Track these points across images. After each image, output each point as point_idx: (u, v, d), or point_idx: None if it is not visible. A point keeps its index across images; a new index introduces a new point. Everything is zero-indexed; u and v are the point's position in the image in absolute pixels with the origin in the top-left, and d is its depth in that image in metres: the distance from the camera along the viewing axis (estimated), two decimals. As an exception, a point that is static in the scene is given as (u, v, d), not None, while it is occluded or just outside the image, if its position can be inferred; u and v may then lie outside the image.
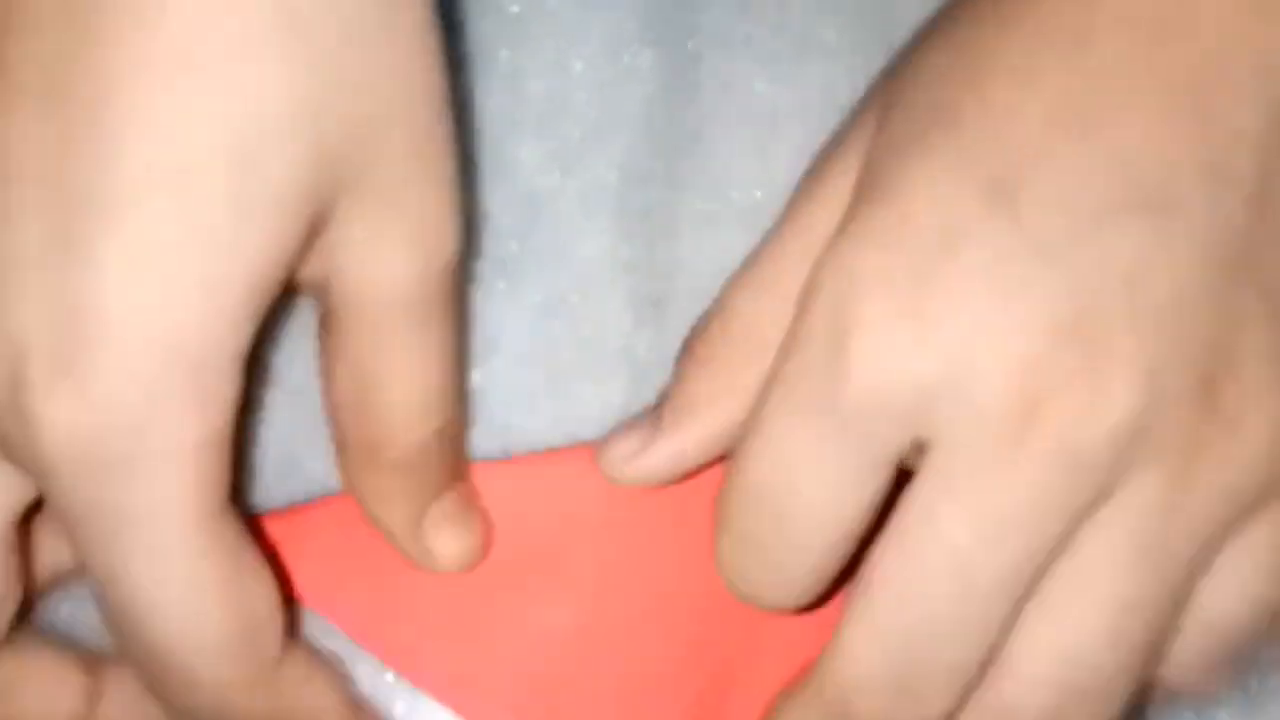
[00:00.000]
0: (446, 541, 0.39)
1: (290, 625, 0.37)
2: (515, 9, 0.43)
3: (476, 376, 0.41)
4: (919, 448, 0.34)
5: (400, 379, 0.37)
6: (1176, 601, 0.35)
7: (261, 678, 0.36)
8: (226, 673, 0.36)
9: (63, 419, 0.33)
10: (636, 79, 0.43)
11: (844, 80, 0.43)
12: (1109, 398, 0.32)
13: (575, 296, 0.42)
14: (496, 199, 0.42)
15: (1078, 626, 0.34)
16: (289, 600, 0.38)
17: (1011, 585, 0.34)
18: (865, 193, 0.35)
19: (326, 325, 0.37)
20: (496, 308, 0.42)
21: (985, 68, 0.34)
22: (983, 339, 0.33)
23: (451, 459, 0.39)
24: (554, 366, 0.41)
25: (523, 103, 0.43)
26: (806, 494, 0.35)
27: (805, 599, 0.37)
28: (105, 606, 0.36)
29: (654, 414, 0.39)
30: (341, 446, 0.38)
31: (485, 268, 0.42)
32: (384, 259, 0.35)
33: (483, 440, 0.41)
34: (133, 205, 0.33)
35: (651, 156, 0.42)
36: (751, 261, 0.38)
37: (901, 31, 0.42)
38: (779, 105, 0.43)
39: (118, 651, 0.37)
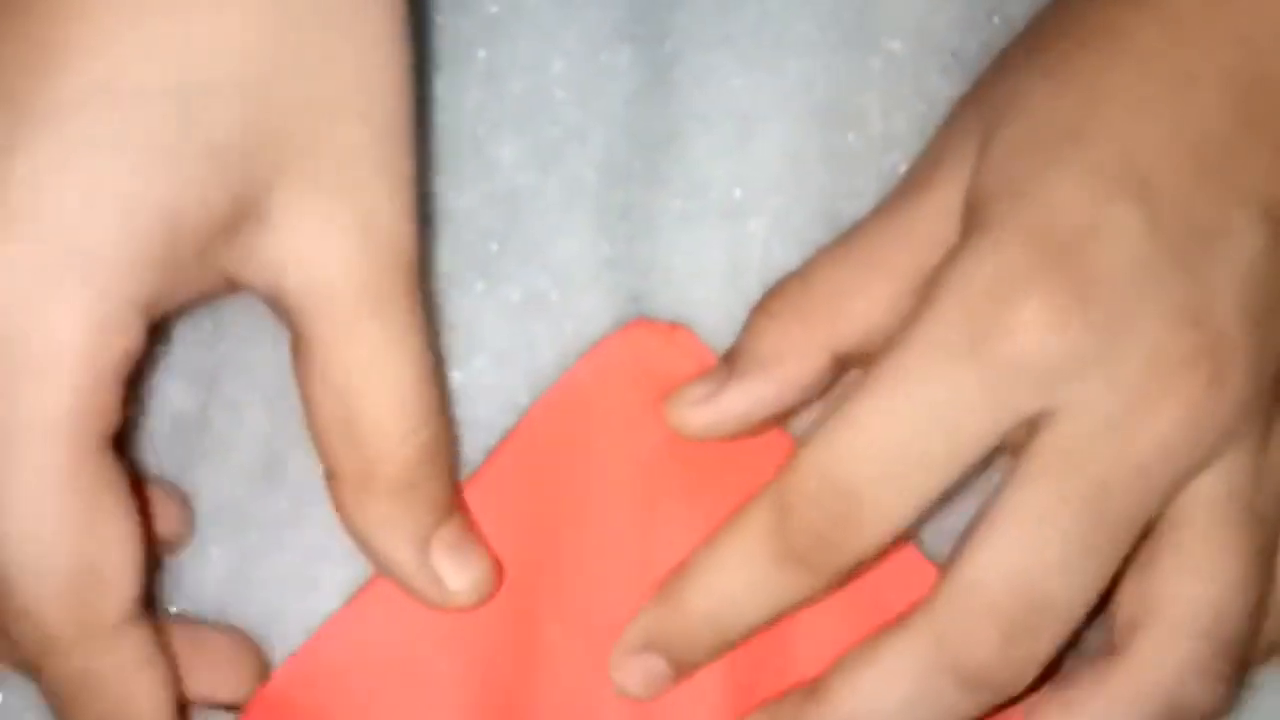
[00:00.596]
0: (456, 570, 0.38)
1: (148, 607, 0.37)
2: (494, 9, 0.43)
3: (457, 376, 0.41)
4: (1032, 427, 0.36)
5: (380, 387, 0.36)
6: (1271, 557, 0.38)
7: (84, 639, 0.35)
8: (51, 617, 0.35)
9: None
10: (615, 77, 0.43)
11: (822, 77, 0.43)
12: (1223, 383, 0.36)
13: (555, 294, 0.42)
14: (476, 198, 0.42)
15: (1217, 577, 0.37)
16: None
17: (1129, 536, 0.36)
18: (994, 196, 0.37)
19: (297, 348, 0.37)
20: (476, 307, 0.42)
21: (1100, 96, 0.37)
22: (1125, 325, 0.36)
23: (447, 475, 0.38)
24: (534, 365, 0.41)
25: (502, 102, 0.43)
26: (940, 433, 0.36)
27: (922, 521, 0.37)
28: None
29: (723, 365, 0.39)
30: (334, 479, 0.37)
31: (464, 267, 0.42)
32: (334, 250, 0.36)
33: (464, 439, 0.41)
34: (71, 114, 0.34)
35: (630, 154, 0.42)
36: (843, 241, 0.39)
37: (881, 27, 0.42)
38: (757, 103, 0.43)
39: None
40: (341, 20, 0.35)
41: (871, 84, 0.43)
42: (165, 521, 0.40)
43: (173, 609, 0.41)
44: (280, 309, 0.36)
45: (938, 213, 0.38)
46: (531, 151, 0.42)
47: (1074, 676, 0.38)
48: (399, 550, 0.38)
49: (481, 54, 0.43)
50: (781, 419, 0.40)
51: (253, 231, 0.35)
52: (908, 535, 0.38)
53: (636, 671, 0.39)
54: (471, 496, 0.40)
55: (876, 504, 0.36)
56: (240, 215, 0.35)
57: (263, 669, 0.40)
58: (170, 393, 0.41)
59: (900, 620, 0.37)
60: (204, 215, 0.34)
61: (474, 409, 0.41)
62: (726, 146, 0.42)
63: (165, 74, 0.34)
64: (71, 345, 0.34)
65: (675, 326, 0.41)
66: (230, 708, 0.39)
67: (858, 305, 0.38)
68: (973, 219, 0.37)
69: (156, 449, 0.41)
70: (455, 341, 0.41)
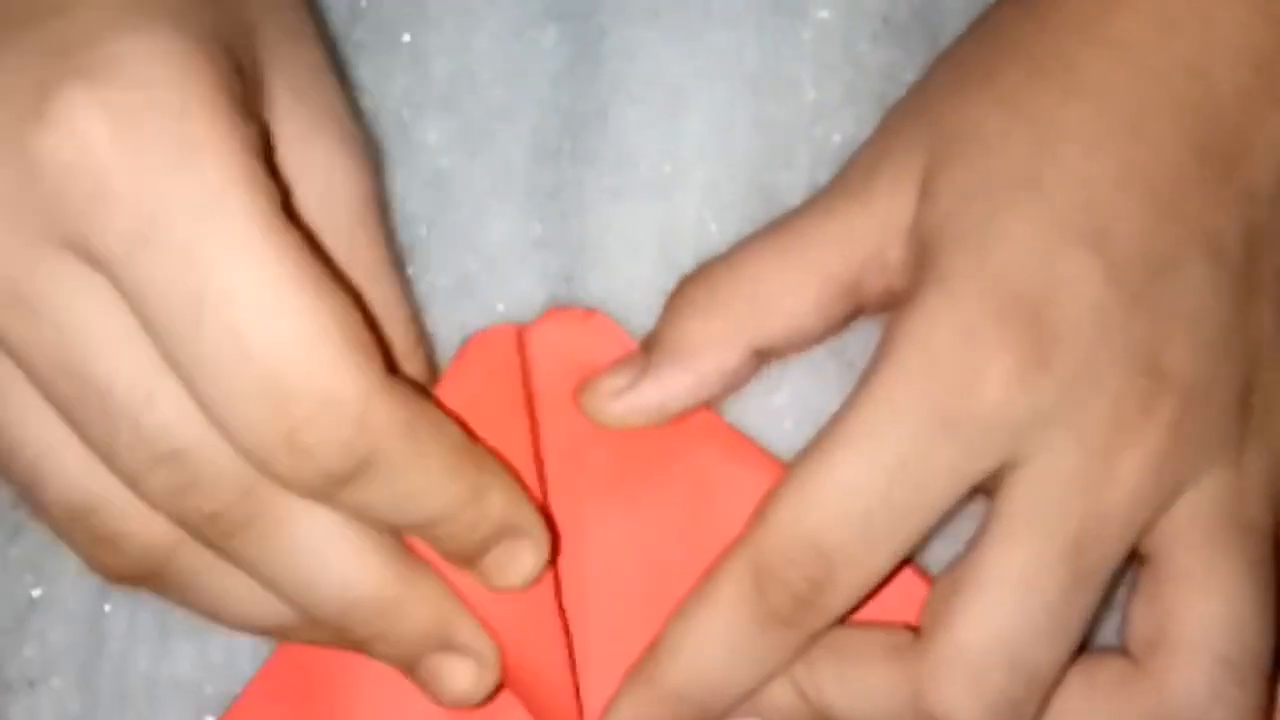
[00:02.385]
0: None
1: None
2: (417, -10, 0.43)
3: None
4: (999, 475, 0.37)
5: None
6: None
7: (382, 387, 0.33)
8: (346, 376, 0.33)
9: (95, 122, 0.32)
10: (541, 56, 0.42)
11: (752, 47, 0.42)
12: (1183, 423, 0.37)
13: (486, 277, 0.41)
14: (402, 182, 0.42)
15: (1221, 591, 0.37)
16: None
17: (1104, 583, 0.37)
18: (949, 244, 0.37)
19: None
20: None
21: (1054, 135, 0.37)
22: (1085, 376, 0.36)
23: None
24: (466, 349, 0.41)
25: (426, 84, 0.42)
26: (910, 489, 0.36)
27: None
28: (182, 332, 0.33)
29: (642, 353, 0.39)
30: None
31: (393, 253, 0.41)
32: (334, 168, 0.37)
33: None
34: None
35: (559, 133, 0.42)
36: (776, 230, 0.39)
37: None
38: (686, 75, 0.42)
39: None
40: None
41: (802, 53, 0.42)
42: None
43: (107, 607, 0.40)
44: None
45: (877, 224, 0.38)
46: (458, 133, 0.42)
47: (1097, 691, 0.38)
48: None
49: (406, 37, 0.42)
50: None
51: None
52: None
53: None
54: None
55: (853, 561, 0.36)
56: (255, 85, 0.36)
57: None
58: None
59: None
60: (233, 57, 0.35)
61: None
62: (656, 121, 0.42)
63: None
64: (222, 131, 0.33)
65: (592, 312, 0.41)
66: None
67: (785, 303, 0.38)
68: (926, 266, 0.37)
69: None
70: (386, 328, 0.41)
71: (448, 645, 0.37)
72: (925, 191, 0.38)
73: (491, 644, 0.37)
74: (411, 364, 0.38)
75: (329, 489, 0.34)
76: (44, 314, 0.33)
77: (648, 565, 0.39)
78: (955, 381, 0.36)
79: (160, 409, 0.34)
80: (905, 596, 0.39)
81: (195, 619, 0.40)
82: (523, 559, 0.37)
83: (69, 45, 0.33)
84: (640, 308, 0.41)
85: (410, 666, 0.37)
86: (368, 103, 0.42)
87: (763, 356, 0.39)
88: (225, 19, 0.35)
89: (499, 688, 0.38)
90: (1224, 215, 0.37)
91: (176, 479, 0.34)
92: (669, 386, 0.39)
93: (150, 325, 0.33)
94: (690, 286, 0.39)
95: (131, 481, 0.34)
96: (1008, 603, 0.36)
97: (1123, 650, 0.38)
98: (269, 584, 0.36)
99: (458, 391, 0.38)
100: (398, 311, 0.38)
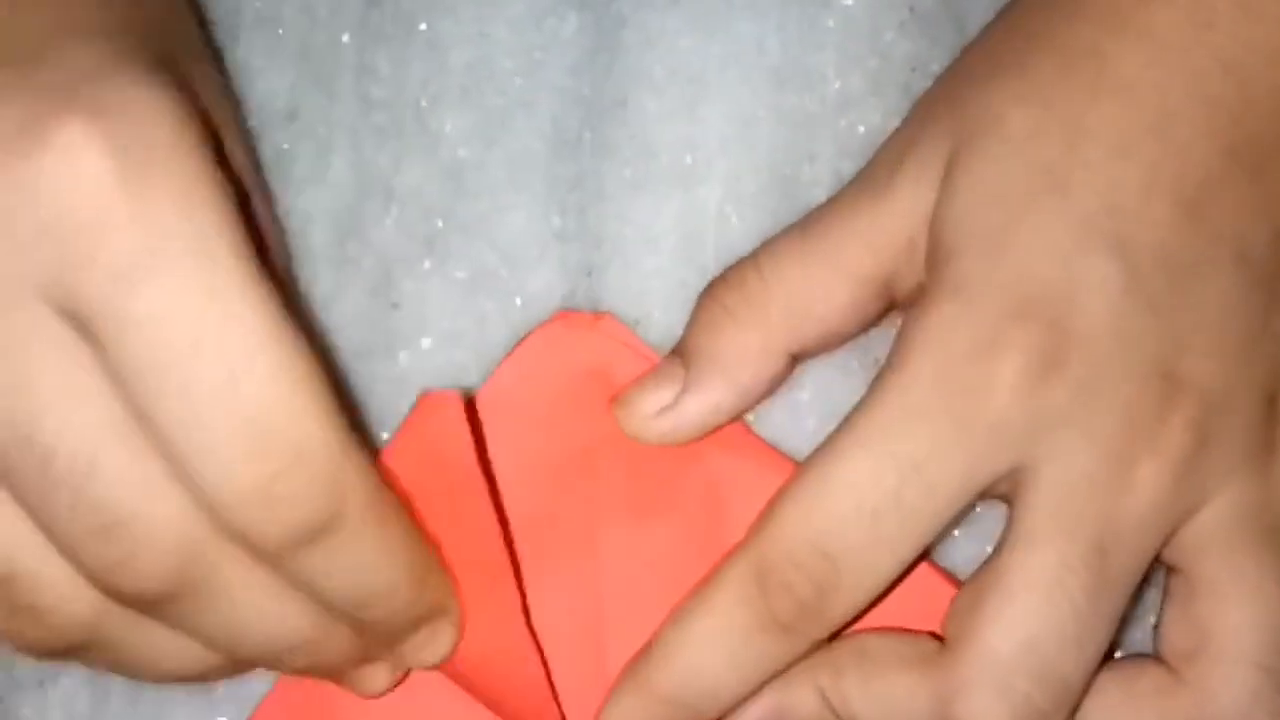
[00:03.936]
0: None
1: None
2: (435, -22, 0.42)
3: (404, 358, 0.40)
4: (1013, 480, 0.36)
5: None
6: None
7: (353, 446, 0.33)
8: (323, 429, 0.32)
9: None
10: (561, 45, 0.42)
11: (775, 36, 0.41)
12: (1202, 430, 0.36)
13: (504, 270, 0.41)
14: (420, 174, 0.41)
15: (1254, 598, 0.37)
16: None
17: (1129, 589, 0.36)
18: (966, 244, 0.36)
19: None
20: (422, 286, 0.41)
21: (1080, 134, 0.36)
22: (1101, 381, 0.35)
23: None
24: (484, 344, 0.40)
25: (445, 74, 0.41)
26: (919, 493, 0.36)
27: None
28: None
29: (674, 363, 0.38)
30: None
31: (410, 245, 0.41)
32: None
33: (411, 422, 0.40)
34: None
35: (579, 123, 0.41)
36: (804, 230, 0.38)
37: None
38: (707, 65, 0.41)
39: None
40: None
41: (826, 43, 0.41)
42: None
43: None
44: None
45: (904, 219, 0.38)
46: (477, 124, 0.41)
47: (1136, 699, 0.37)
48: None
49: (423, 26, 0.42)
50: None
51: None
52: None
53: None
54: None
55: (858, 565, 0.36)
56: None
57: None
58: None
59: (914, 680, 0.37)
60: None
61: (419, 391, 0.40)
62: (677, 111, 0.41)
63: None
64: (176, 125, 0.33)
65: (601, 315, 0.40)
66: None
67: (819, 308, 0.38)
68: (942, 265, 0.36)
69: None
70: (401, 322, 0.40)
71: (366, 659, 0.37)
72: (946, 183, 0.37)
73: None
74: None
75: (292, 546, 0.33)
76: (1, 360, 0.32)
77: (663, 573, 0.38)
78: (969, 384, 0.35)
79: (104, 477, 0.32)
80: (929, 600, 0.38)
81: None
82: (442, 638, 0.37)
83: (62, 85, 0.33)
84: (660, 301, 0.40)
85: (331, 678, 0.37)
86: (384, 92, 0.41)
87: (797, 359, 0.39)
88: (176, 68, 0.35)
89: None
90: (1251, 218, 0.37)
91: (114, 552, 0.33)
92: (712, 401, 0.38)
93: (126, 368, 0.32)
94: (721, 292, 0.38)
95: (68, 552, 0.33)
96: (1034, 610, 0.36)
97: (1158, 659, 0.38)
98: (198, 639, 0.35)
99: (406, 455, 0.37)
100: None
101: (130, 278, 0.31)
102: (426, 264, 0.41)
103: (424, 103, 0.41)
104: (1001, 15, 0.39)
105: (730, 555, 0.37)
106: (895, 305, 0.38)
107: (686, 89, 0.41)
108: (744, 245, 0.40)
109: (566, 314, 0.40)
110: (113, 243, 0.31)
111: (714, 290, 0.39)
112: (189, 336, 0.32)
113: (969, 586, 0.37)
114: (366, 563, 0.34)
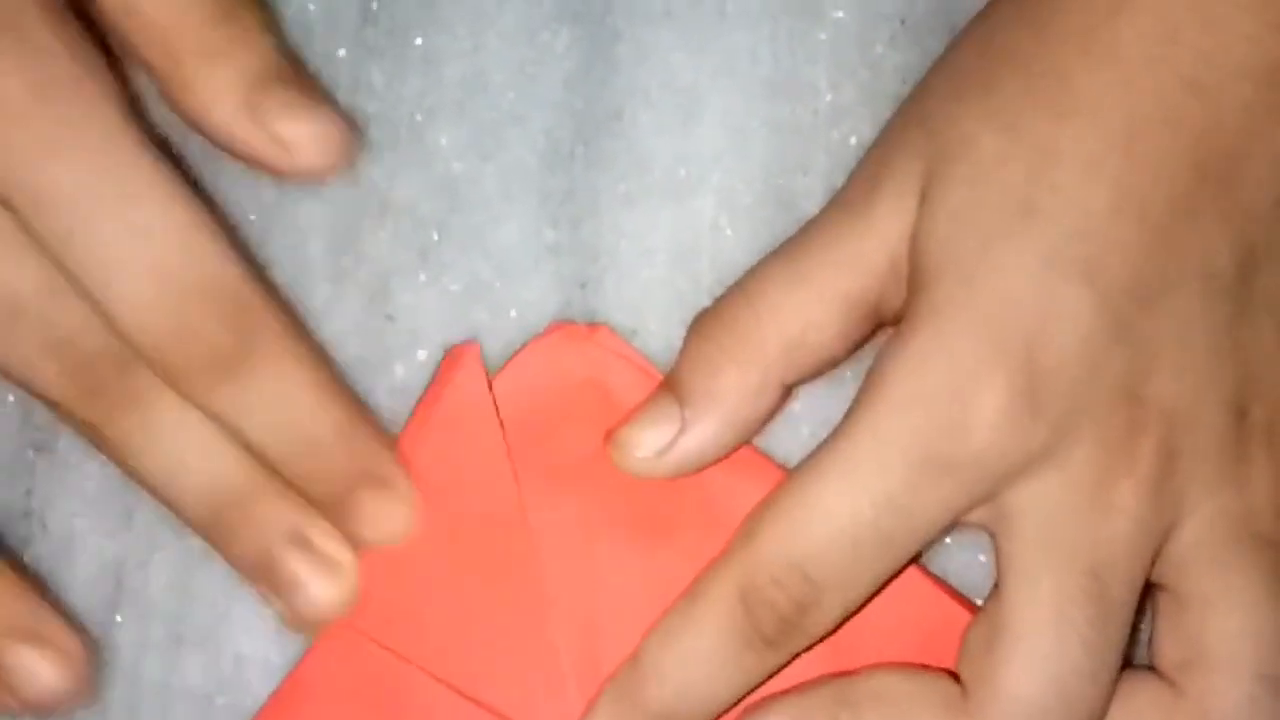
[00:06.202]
0: (291, 122, 0.38)
1: None
2: (429, -7, 0.42)
3: (400, 370, 0.40)
4: (992, 507, 0.37)
5: None
6: None
7: (256, 281, 0.37)
8: (226, 264, 0.36)
9: None
10: (554, 58, 0.42)
11: (767, 49, 0.42)
12: (1173, 450, 0.36)
13: (499, 283, 0.41)
14: (415, 186, 0.41)
15: (1245, 605, 0.37)
16: None
17: (1130, 610, 0.37)
18: (939, 272, 0.36)
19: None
20: (417, 298, 0.41)
21: (1049, 158, 0.36)
22: (1074, 410, 0.36)
23: (258, 46, 0.38)
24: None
25: (439, 88, 0.42)
26: (897, 520, 0.36)
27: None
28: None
29: (668, 401, 0.38)
30: (162, 84, 0.38)
31: (405, 258, 0.41)
32: None
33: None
34: None
35: (572, 137, 0.41)
36: (789, 258, 0.38)
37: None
38: (700, 77, 0.42)
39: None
40: None
41: (818, 55, 0.42)
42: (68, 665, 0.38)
43: (118, 617, 0.40)
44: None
45: (886, 240, 0.38)
46: (471, 137, 0.41)
47: (1137, 715, 0.37)
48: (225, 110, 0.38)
49: (418, 41, 0.42)
50: None
51: None
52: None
53: None
54: None
55: (839, 586, 0.37)
56: None
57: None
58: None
59: None
60: None
61: (416, 403, 0.40)
62: (670, 124, 0.41)
63: None
64: None
65: (595, 327, 0.40)
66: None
67: (812, 339, 0.38)
68: (918, 293, 0.37)
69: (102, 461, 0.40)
70: (396, 334, 0.41)
71: (301, 544, 0.38)
72: (922, 207, 0.37)
73: (348, 552, 0.38)
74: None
75: (205, 378, 0.36)
76: None
77: (659, 588, 0.38)
78: (944, 421, 0.36)
79: (56, 301, 0.36)
80: (919, 604, 0.39)
81: (207, 629, 0.39)
82: (389, 511, 0.38)
83: None
84: (655, 312, 0.41)
85: (262, 569, 0.38)
86: (378, 105, 0.42)
87: (792, 388, 0.39)
88: None
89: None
90: (1219, 235, 0.37)
91: (65, 360, 0.37)
92: (711, 441, 0.38)
93: (46, 232, 0.35)
94: (713, 328, 0.38)
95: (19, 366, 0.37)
96: (1046, 649, 0.36)
97: (1155, 672, 0.38)
98: (135, 475, 0.38)
99: (431, 418, 0.38)
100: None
101: (41, 156, 0.35)
102: (422, 276, 0.41)
103: (419, 116, 0.42)
104: (967, 32, 0.40)
105: (710, 569, 0.37)
106: (885, 323, 0.39)
107: (680, 102, 0.42)
108: (738, 256, 0.40)
109: (562, 325, 0.40)
110: (22, 128, 0.35)
111: (705, 326, 0.39)
112: (97, 200, 0.35)
113: (978, 626, 0.37)
114: (281, 402, 0.37)
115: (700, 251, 0.41)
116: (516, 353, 0.40)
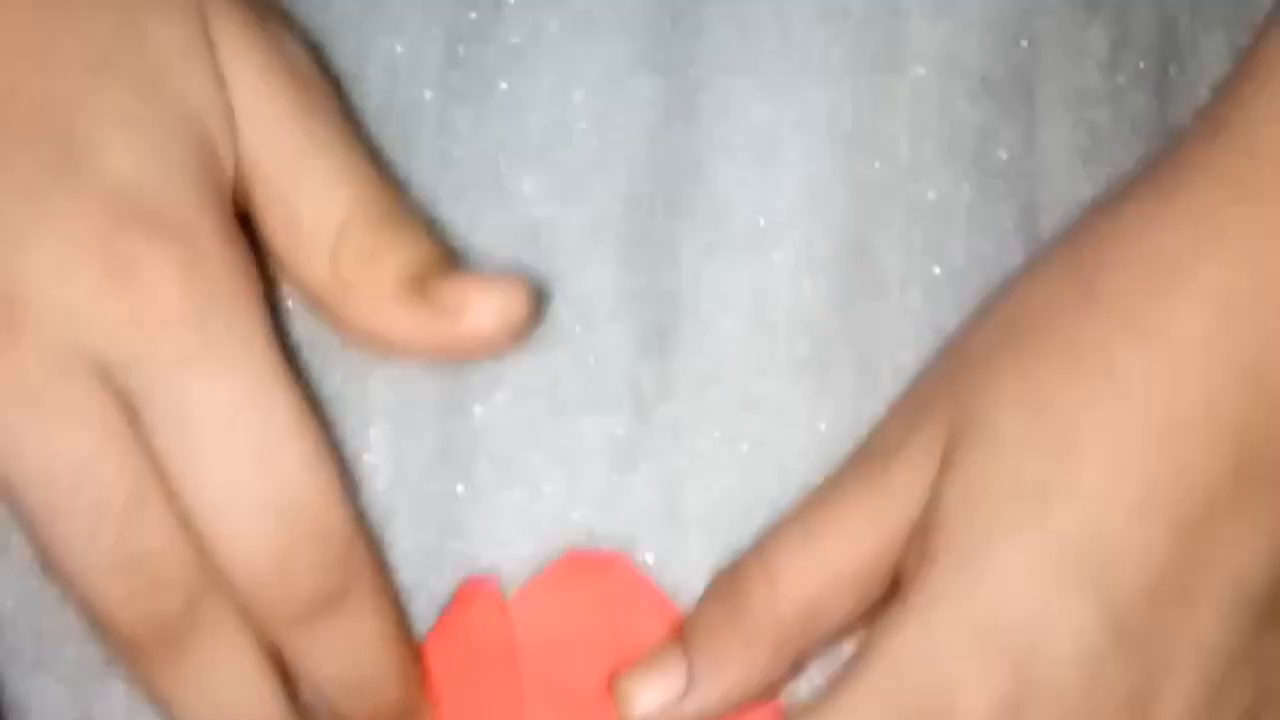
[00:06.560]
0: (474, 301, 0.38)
1: None
2: (515, 39, 0.43)
3: (478, 411, 0.41)
4: None
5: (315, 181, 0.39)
6: None
7: (363, 530, 0.38)
8: (339, 510, 0.37)
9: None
10: (637, 107, 0.42)
11: (848, 103, 0.42)
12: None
13: (578, 328, 0.41)
14: (497, 231, 0.42)
15: None
16: None
17: None
18: (942, 555, 0.36)
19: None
20: (499, 341, 0.41)
21: (1073, 445, 0.35)
22: None
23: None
24: (556, 399, 0.41)
25: (523, 133, 0.42)
26: None
27: None
28: None
29: (677, 657, 0.38)
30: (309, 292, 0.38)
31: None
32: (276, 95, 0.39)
33: (483, 475, 0.40)
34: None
35: (653, 185, 0.42)
36: (806, 529, 0.38)
37: (906, 52, 0.42)
38: (781, 130, 0.42)
39: None
40: None
41: (898, 110, 0.42)
42: None
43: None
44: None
45: (903, 510, 0.37)
46: (553, 183, 0.42)
47: None
48: (390, 306, 0.38)
49: (503, 85, 0.42)
50: None
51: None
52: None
53: None
54: None
55: None
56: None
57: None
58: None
59: None
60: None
61: (494, 444, 0.41)
62: (750, 176, 0.42)
63: None
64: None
65: (614, 556, 0.40)
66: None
67: (827, 616, 0.37)
68: (919, 571, 0.36)
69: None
70: (476, 375, 0.41)
71: None
72: (938, 481, 0.37)
73: None
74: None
75: (302, 618, 0.36)
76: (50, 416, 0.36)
77: None
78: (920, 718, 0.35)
79: (132, 519, 0.36)
80: None
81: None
82: None
83: (113, 192, 0.36)
84: (732, 363, 0.41)
85: None
86: (462, 149, 0.42)
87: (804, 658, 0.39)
88: (187, 64, 0.37)
89: None
90: (1255, 541, 0.35)
91: (137, 580, 0.36)
92: (712, 705, 0.38)
93: (172, 445, 0.36)
94: (728, 595, 0.38)
95: (90, 576, 0.36)
96: None
97: None
98: (168, 698, 0.37)
99: (448, 641, 0.39)
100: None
101: (182, 366, 0.36)
102: (503, 319, 0.41)
103: (502, 161, 0.42)
104: (1005, 295, 0.38)
105: None
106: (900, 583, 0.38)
107: (760, 154, 0.42)
108: (816, 309, 0.41)
109: (578, 554, 0.40)
110: (173, 336, 0.36)
111: (721, 591, 0.38)
112: (229, 416, 0.36)
113: None
114: (366, 645, 0.37)
115: (778, 303, 0.41)
116: (534, 577, 0.40)
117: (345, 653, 0.37)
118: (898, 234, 0.41)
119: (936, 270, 0.41)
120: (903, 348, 0.41)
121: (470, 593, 0.39)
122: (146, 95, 0.37)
